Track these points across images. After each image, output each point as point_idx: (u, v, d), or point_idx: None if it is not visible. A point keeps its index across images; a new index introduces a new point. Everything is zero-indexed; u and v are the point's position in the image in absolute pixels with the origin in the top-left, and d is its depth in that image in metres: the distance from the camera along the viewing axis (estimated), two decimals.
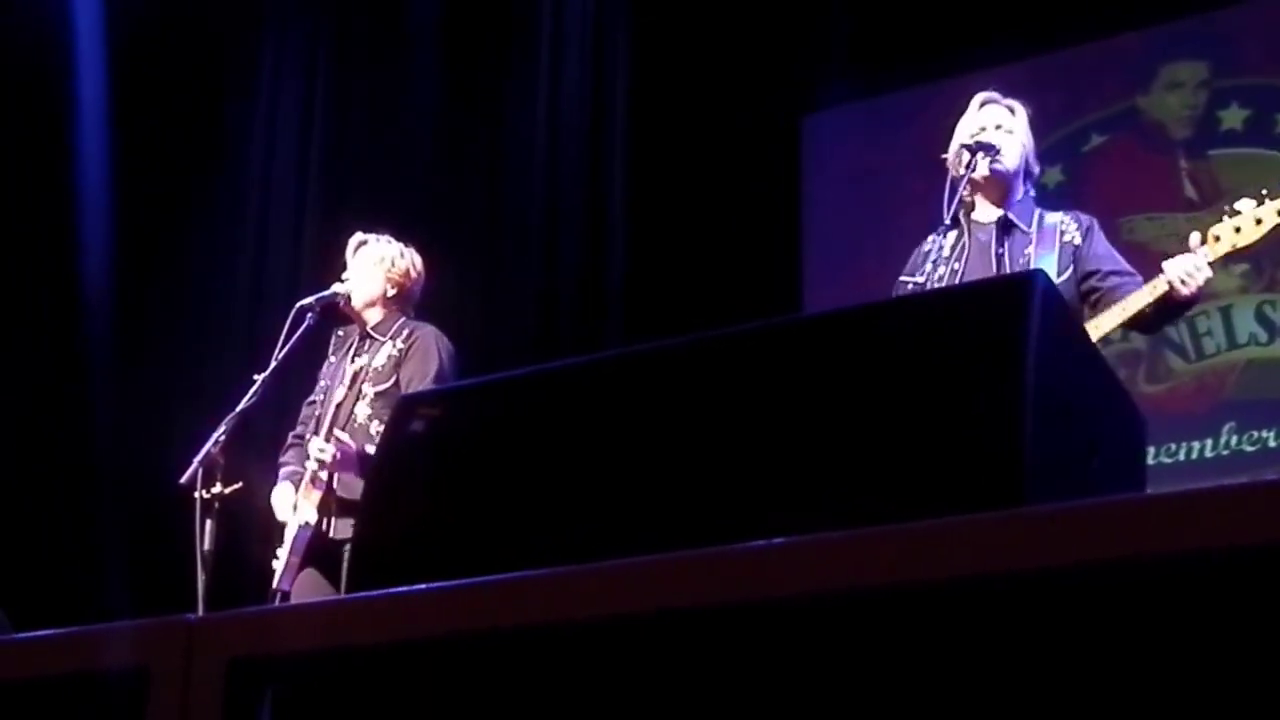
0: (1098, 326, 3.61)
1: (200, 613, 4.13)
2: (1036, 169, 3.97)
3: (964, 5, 6.27)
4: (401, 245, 4.75)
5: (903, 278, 3.83)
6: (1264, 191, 3.62)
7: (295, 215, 6.98)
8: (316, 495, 4.37)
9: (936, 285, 3.71)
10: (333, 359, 4.73)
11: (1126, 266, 3.76)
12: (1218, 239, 3.59)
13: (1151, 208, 5.73)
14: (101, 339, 6.41)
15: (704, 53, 6.56)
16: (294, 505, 4.50)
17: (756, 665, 1.10)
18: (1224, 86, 5.91)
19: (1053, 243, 3.76)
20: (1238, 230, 3.57)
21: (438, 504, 1.57)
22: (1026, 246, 3.75)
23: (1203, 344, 5.70)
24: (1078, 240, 3.77)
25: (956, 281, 3.72)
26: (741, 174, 6.46)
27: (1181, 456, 5.50)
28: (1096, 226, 3.84)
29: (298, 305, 4.68)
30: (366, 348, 4.60)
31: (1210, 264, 3.59)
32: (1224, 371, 5.66)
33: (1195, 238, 3.61)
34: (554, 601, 1.19)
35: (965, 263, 3.79)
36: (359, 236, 4.76)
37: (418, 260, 4.76)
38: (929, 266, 3.77)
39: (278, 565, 4.45)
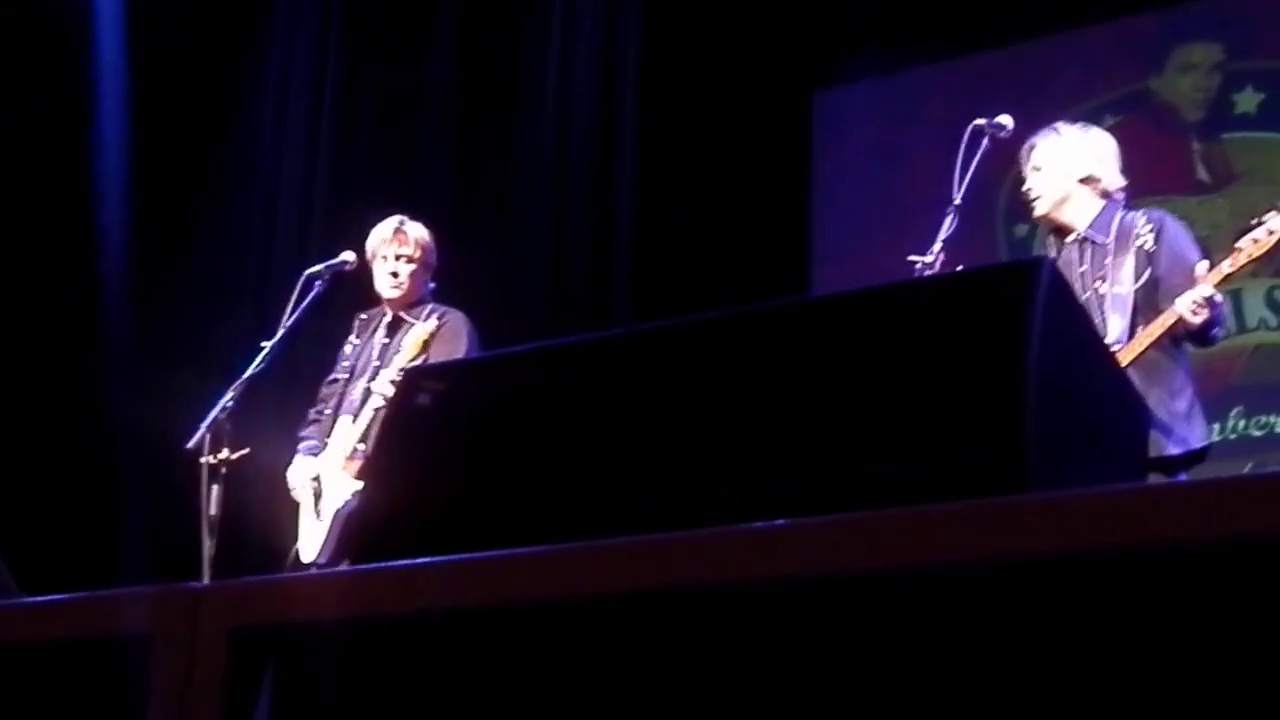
0: (1124, 354, 3.68)
1: (205, 577, 4.17)
2: (1102, 174, 3.97)
3: None
4: (414, 221, 4.77)
5: (911, 257, 3.85)
6: None
7: (305, 184, 6.97)
8: (355, 467, 4.42)
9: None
10: (357, 340, 4.74)
11: (1191, 278, 3.74)
12: (1240, 250, 3.67)
13: (1164, 190, 5.71)
14: (110, 303, 6.43)
15: (716, 26, 6.54)
16: (314, 479, 4.54)
17: (755, 645, 1.11)
18: (1238, 69, 5.88)
19: (1128, 249, 3.83)
20: (1256, 241, 3.65)
21: (441, 477, 1.58)
22: (1105, 259, 3.84)
23: None
24: (1150, 245, 3.83)
25: None
26: (752, 149, 6.44)
27: None
28: (1168, 225, 3.90)
29: (306, 273, 4.70)
30: (398, 329, 4.63)
31: (1231, 274, 3.69)
32: (1233, 356, 5.64)
33: (1203, 266, 3.69)
34: (556, 578, 1.20)
35: None
36: (391, 226, 4.72)
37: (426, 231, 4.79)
38: None
39: (305, 538, 4.50)
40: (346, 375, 4.67)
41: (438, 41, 6.91)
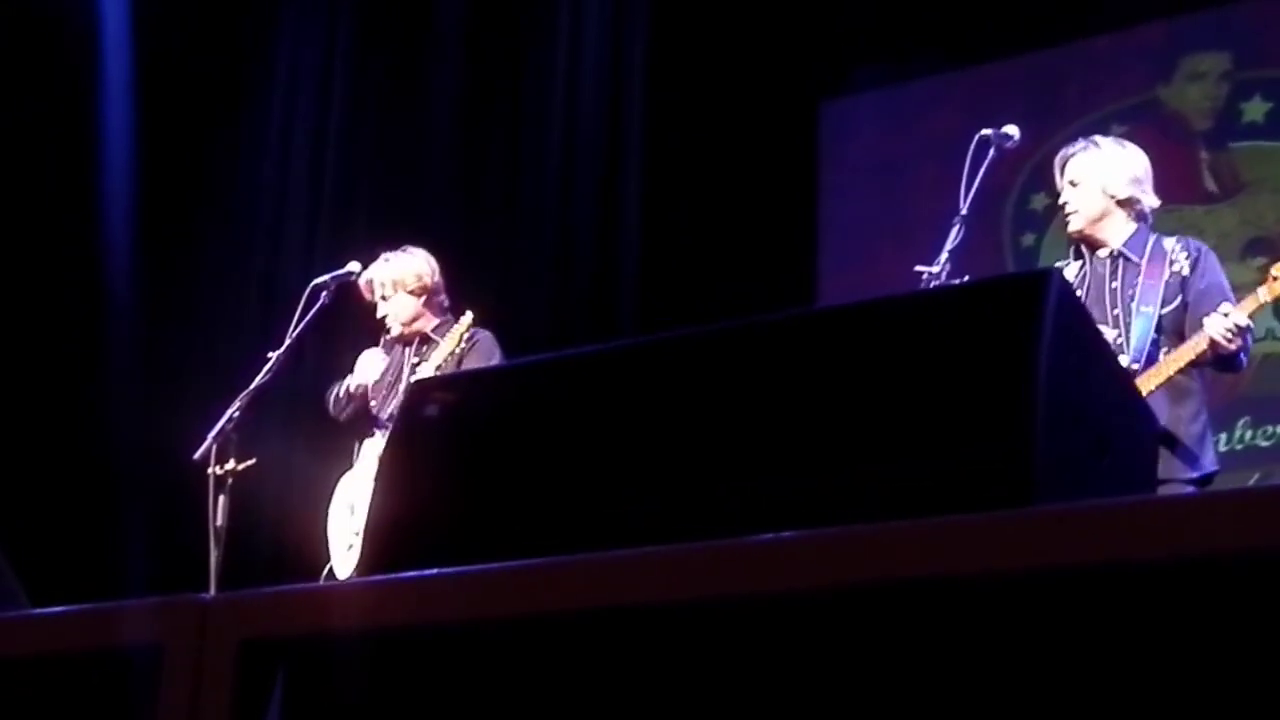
0: (1159, 374, 3.72)
1: (212, 587, 4.17)
2: (1140, 196, 3.97)
3: None
4: (410, 252, 4.80)
5: (918, 267, 3.85)
6: None
7: (311, 194, 6.98)
8: None
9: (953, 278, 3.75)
10: (386, 355, 4.78)
11: (1217, 305, 3.79)
12: (1275, 279, 3.70)
13: (1171, 200, 5.70)
14: (118, 315, 6.44)
15: (722, 37, 6.54)
16: (349, 495, 4.59)
17: (760, 658, 1.11)
18: (1247, 78, 5.88)
19: (1160, 272, 3.85)
20: None
21: (450, 487, 1.58)
22: (1136, 278, 3.86)
23: None
24: (1185, 271, 3.86)
25: None
26: (758, 160, 6.44)
27: None
28: (1205, 255, 3.92)
29: (312, 284, 4.71)
30: (426, 350, 4.68)
31: (1266, 304, 3.75)
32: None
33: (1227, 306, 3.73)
34: (565, 590, 1.19)
35: (1085, 295, 3.87)
36: (366, 276, 4.76)
37: (429, 258, 4.82)
38: None
39: (340, 554, 4.52)
40: (380, 394, 4.70)
41: (443, 51, 6.92)
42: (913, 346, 1.33)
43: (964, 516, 1.07)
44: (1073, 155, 3.99)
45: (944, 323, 1.35)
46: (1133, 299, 3.82)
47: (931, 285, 3.74)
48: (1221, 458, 5.46)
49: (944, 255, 3.80)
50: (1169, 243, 3.92)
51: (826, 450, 1.32)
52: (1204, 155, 5.90)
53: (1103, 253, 3.93)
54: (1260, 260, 5.56)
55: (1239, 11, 5.98)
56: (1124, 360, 3.67)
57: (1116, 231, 3.93)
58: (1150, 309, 3.79)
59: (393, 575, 1.34)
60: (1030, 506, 1.16)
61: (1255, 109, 5.83)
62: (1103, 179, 3.92)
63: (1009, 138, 4.00)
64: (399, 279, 4.72)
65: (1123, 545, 0.99)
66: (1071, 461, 1.26)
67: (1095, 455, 1.31)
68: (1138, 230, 3.94)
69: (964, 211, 3.87)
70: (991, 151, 3.96)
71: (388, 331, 4.75)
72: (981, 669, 1.04)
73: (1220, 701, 0.96)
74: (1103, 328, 3.56)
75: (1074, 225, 3.96)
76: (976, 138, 3.96)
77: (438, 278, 4.78)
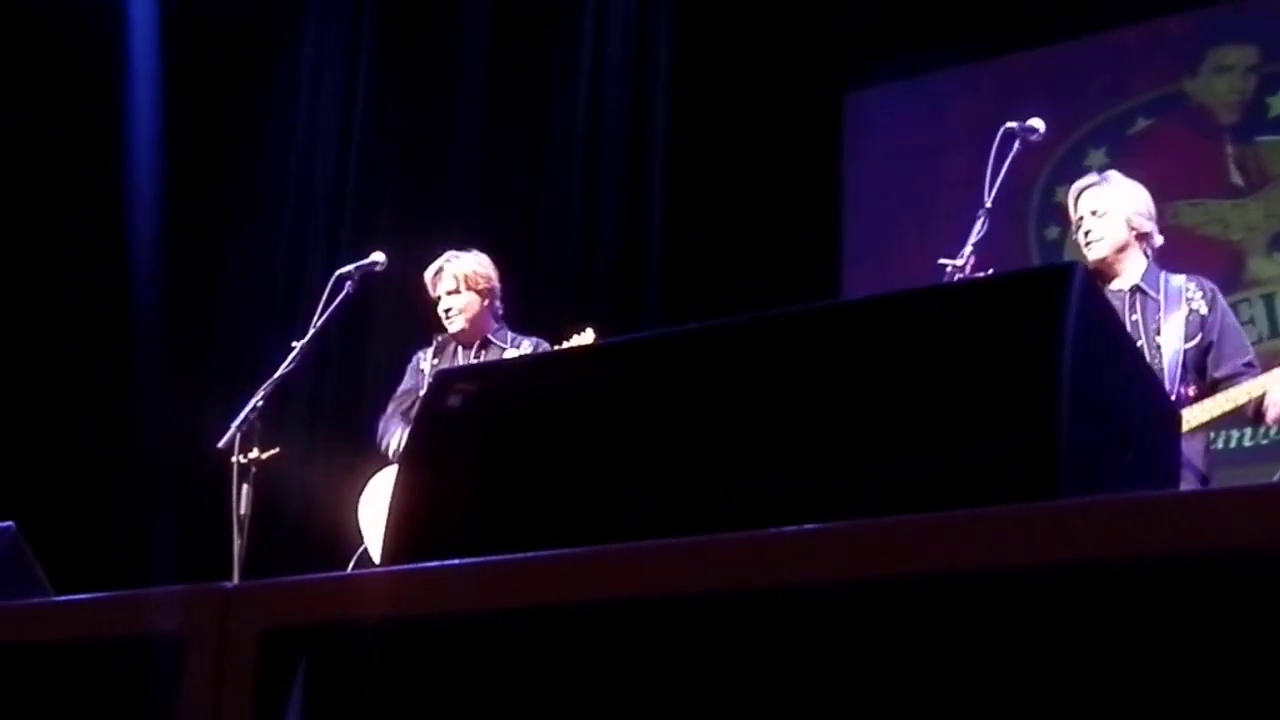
0: (1206, 411, 3.76)
1: (235, 576, 4.19)
2: (1150, 228, 4.02)
3: None
4: (476, 253, 4.82)
5: (942, 260, 3.85)
6: None
7: (336, 185, 6.99)
8: None
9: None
10: (436, 360, 4.79)
11: (1245, 349, 3.92)
12: None
13: (1196, 193, 5.68)
14: (143, 305, 6.46)
15: (747, 30, 6.53)
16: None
17: (782, 650, 1.11)
18: (1274, 71, 5.84)
19: (1179, 308, 3.90)
20: None
21: (471, 479, 1.58)
22: (1156, 313, 3.89)
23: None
24: (1203, 310, 3.90)
25: None
26: (783, 152, 6.44)
27: (1220, 445, 5.47)
28: (1217, 293, 3.98)
29: (337, 273, 4.72)
30: (485, 355, 4.70)
31: None
32: (1266, 360, 5.59)
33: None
34: (582, 581, 1.20)
35: None
36: (433, 269, 4.79)
37: (486, 259, 4.84)
38: None
39: (376, 541, 4.52)
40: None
41: (468, 44, 6.92)
42: (936, 340, 1.33)
43: (988, 510, 1.07)
44: (1091, 187, 4.02)
45: (968, 316, 1.34)
46: (1157, 333, 3.83)
47: (955, 278, 3.73)
48: (1247, 452, 5.46)
49: (968, 248, 3.79)
50: (1178, 280, 3.96)
51: (847, 442, 1.32)
52: (1230, 149, 5.87)
53: (1116, 285, 3.95)
54: None
55: (1266, 4, 5.95)
56: None
57: (1132, 265, 3.98)
58: (1175, 344, 3.81)
59: (413, 565, 1.34)
60: (1054, 500, 1.16)
61: None
62: (1126, 210, 3.96)
63: (1034, 130, 3.99)
64: (470, 276, 4.75)
65: (1147, 539, 0.99)
66: (1095, 456, 1.25)
67: (1119, 450, 1.31)
68: (1149, 266, 3.97)
69: (988, 204, 3.87)
70: (1016, 144, 3.95)
71: (451, 330, 4.73)
72: (1004, 661, 1.04)
73: (1245, 694, 0.96)
74: None
75: (1097, 253, 3.96)
76: (1001, 130, 3.96)
77: (497, 282, 4.83)
